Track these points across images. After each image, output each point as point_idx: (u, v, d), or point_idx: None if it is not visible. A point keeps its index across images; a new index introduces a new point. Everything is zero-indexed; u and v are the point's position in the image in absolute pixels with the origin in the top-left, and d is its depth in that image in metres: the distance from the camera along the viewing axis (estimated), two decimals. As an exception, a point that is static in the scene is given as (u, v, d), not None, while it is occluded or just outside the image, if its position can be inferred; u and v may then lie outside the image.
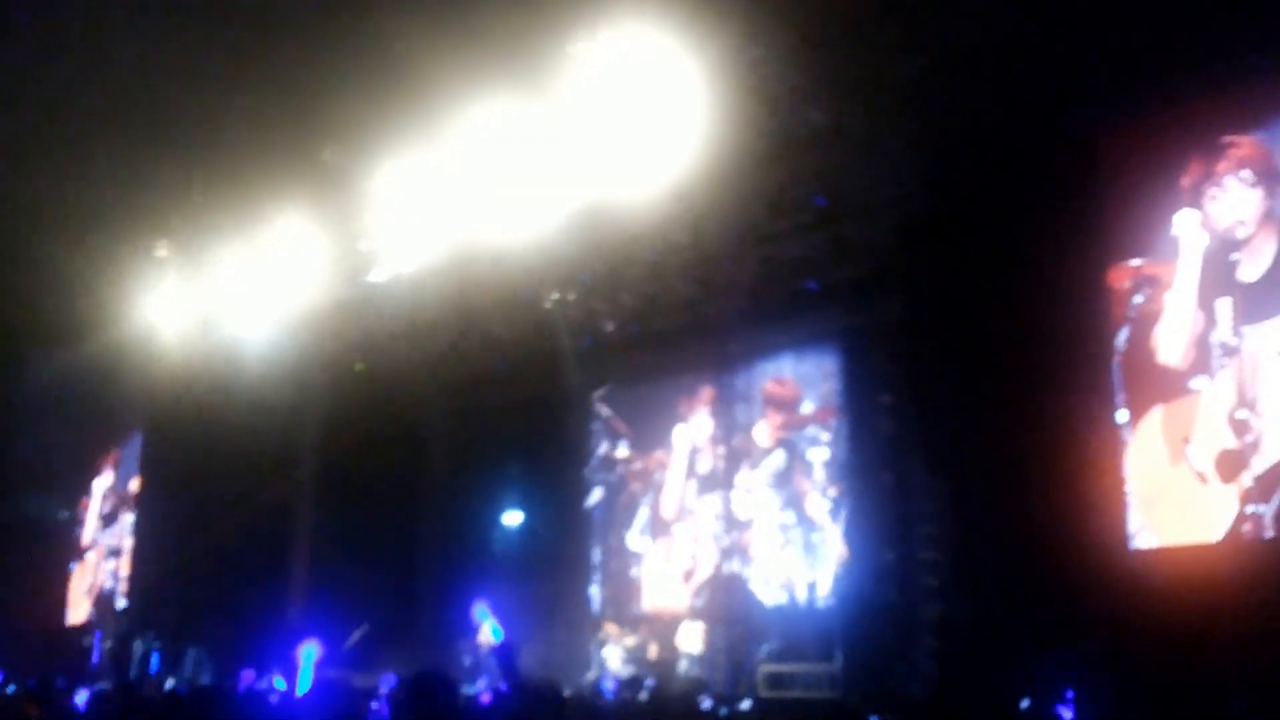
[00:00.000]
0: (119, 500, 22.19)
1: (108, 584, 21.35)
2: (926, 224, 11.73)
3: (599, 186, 12.55)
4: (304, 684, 15.10)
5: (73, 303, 19.50)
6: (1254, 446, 9.58)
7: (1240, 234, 9.91)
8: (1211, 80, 10.02)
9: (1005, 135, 10.97)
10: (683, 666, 14.13)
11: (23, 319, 20.07)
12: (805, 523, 14.44)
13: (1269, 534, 9.50)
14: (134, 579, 20.59)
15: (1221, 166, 10.10)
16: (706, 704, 10.21)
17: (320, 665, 13.27)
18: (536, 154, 12.94)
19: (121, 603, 20.58)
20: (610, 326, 15.48)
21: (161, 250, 18.55)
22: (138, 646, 18.61)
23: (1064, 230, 10.71)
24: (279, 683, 11.58)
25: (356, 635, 15.89)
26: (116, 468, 22.64)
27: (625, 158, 12.10)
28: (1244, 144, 10.04)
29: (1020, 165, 10.90)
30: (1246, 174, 9.96)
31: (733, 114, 11.44)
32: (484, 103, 13.18)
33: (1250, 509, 9.57)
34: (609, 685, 13.17)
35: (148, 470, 20.94)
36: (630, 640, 15.10)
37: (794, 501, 14.68)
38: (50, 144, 16.75)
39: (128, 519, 21.51)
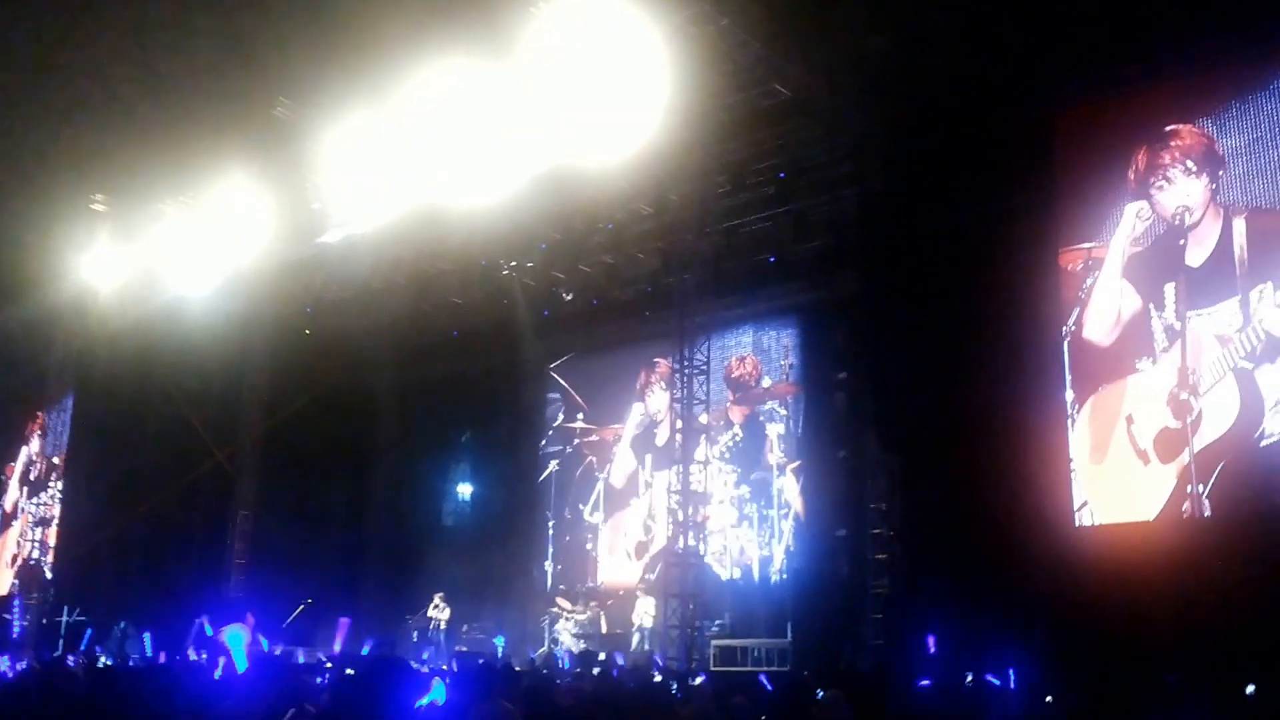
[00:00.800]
0: (47, 467, 22.23)
1: (34, 554, 21.44)
2: (885, 201, 12.42)
3: (560, 153, 12.87)
4: (240, 663, 15.53)
5: (2, 261, 19.57)
6: (1194, 427, 10.47)
7: (1186, 220, 10.79)
8: (1162, 67, 10.89)
9: (964, 115, 11.72)
10: (635, 641, 14.73)
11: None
12: (761, 498, 15.16)
13: (1206, 512, 10.36)
14: (62, 549, 20.60)
15: (1166, 156, 10.99)
16: (659, 678, 10.79)
17: (254, 643, 13.72)
18: (496, 117, 13.18)
19: (48, 574, 20.65)
20: (568, 296, 15.93)
21: (98, 205, 18.60)
22: (65, 619, 18.85)
23: (1019, 211, 11.54)
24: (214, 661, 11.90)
25: (298, 611, 16.31)
26: (45, 433, 22.67)
27: (587, 125, 12.38)
28: (1186, 133, 10.92)
29: (978, 146, 11.66)
30: (1191, 163, 10.84)
31: (697, 85, 11.89)
32: (442, 61, 13.43)
33: (1189, 488, 10.45)
34: (562, 659, 13.75)
35: (79, 435, 20.89)
36: (583, 615, 15.65)
37: (750, 477, 15.39)
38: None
39: (56, 486, 21.57)
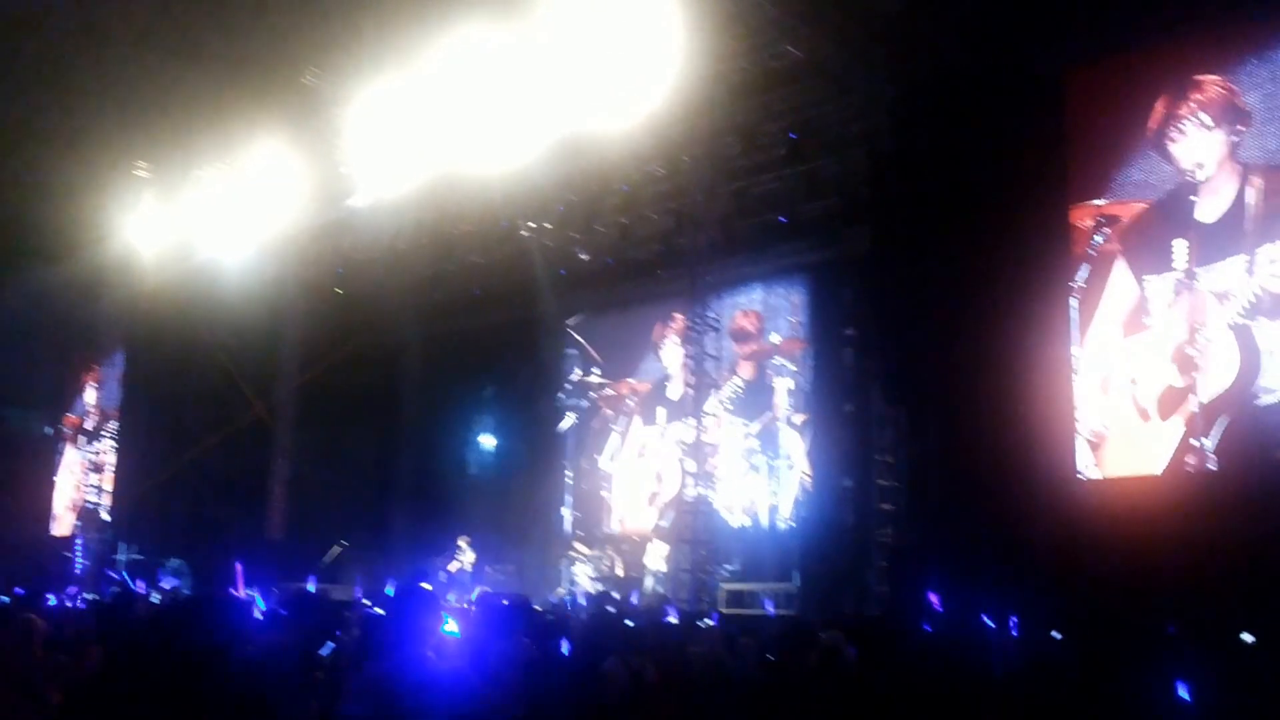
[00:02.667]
0: (102, 416, 22.24)
1: (91, 498, 21.45)
2: (895, 160, 11.80)
3: (576, 118, 12.47)
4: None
5: (53, 222, 19.34)
6: (1198, 383, 9.79)
7: (1200, 175, 9.99)
8: (1177, 20, 10.04)
9: (974, 73, 11.00)
10: (648, 584, 14.39)
11: (3, 237, 19.90)
12: (769, 449, 14.66)
13: (1210, 466, 9.74)
14: (116, 494, 20.69)
15: (1184, 109, 10.15)
16: (672, 618, 10.46)
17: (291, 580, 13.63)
18: (515, 83, 12.83)
19: (106, 516, 20.69)
20: (585, 256, 15.47)
21: (141, 171, 18.44)
22: (120, 558, 18.80)
23: (1029, 169, 10.82)
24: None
25: (334, 552, 16.12)
26: (100, 385, 22.64)
27: (602, 89, 12.02)
28: (1207, 85, 10.07)
29: (988, 103, 10.93)
30: (1207, 116, 10.01)
31: (709, 47, 11.39)
32: (463, 29, 13.06)
33: (1194, 442, 9.81)
34: (578, 600, 13.41)
35: (129, 388, 20.94)
36: (599, 559, 15.34)
37: (759, 429, 14.88)
38: (32, 65, 16.54)
39: (110, 435, 21.56)
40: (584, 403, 17.10)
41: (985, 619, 8.65)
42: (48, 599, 11.23)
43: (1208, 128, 10.01)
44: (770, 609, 11.49)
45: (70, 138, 17.82)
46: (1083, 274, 10.80)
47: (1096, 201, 10.72)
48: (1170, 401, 9.97)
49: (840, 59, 11.82)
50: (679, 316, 14.81)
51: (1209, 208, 9.96)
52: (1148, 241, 10.30)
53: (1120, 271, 10.53)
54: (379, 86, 14.44)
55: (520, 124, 12.98)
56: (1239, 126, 9.84)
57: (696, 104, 11.92)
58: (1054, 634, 8.80)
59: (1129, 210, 10.58)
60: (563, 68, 12.31)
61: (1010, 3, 10.53)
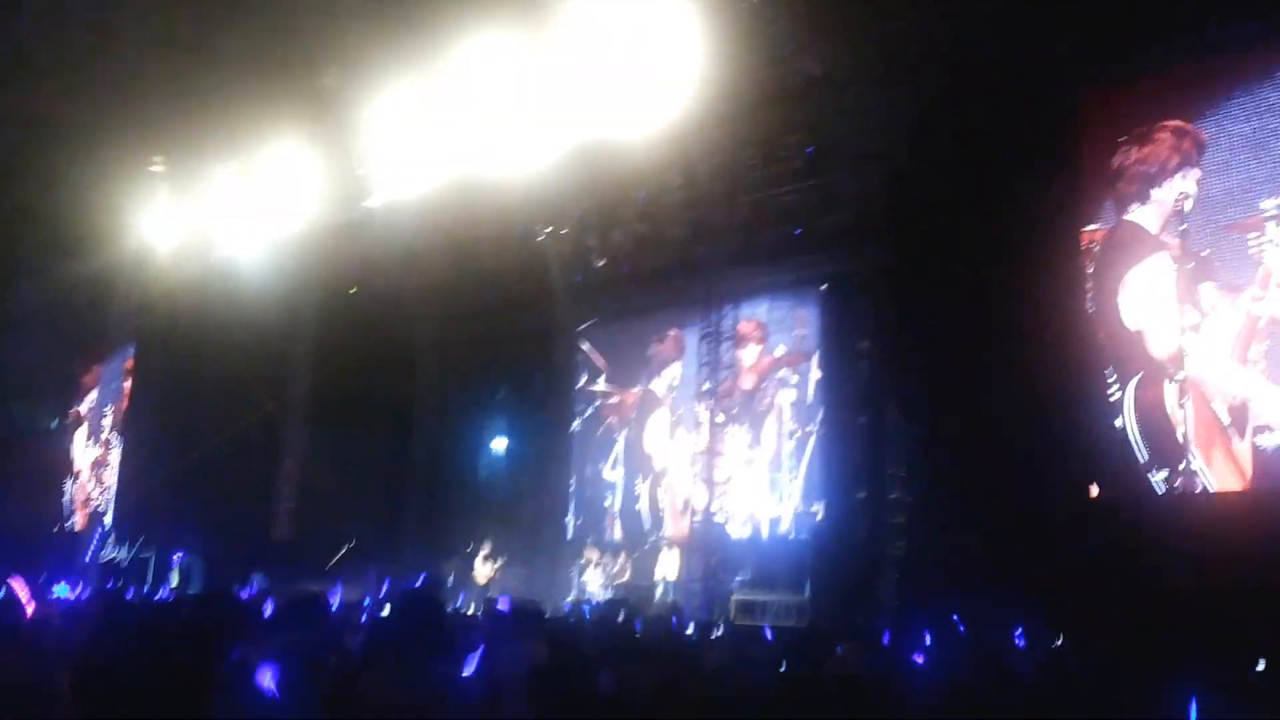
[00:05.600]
0: (112, 413, 22.35)
1: (97, 494, 21.59)
2: (912, 175, 11.95)
3: (595, 126, 12.65)
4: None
5: (69, 217, 19.44)
6: (1235, 405, 9.92)
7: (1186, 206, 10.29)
8: (1186, 48, 10.25)
9: (991, 91, 11.14)
10: (659, 593, 14.49)
11: (17, 233, 20.02)
12: (775, 461, 14.77)
13: (1199, 489, 9.89)
14: (121, 491, 20.75)
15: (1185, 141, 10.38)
16: (690, 630, 10.55)
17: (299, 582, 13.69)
18: (534, 89, 13.02)
19: (110, 514, 20.79)
20: (601, 263, 15.62)
21: (157, 167, 18.54)
22: (124, 554, 18.87)
23: (1045, 187, 10.96)
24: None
25: (342, 554, 16.22)
26: (108, 380, 22.75)
27: (622, 98, 12.22)
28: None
29: (1004, 121, 11.08)
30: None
31: (729, 60, 11.59)
32: (483, 33, 13.24)
33: (1191, 465, 9.95)
34: (589, 606, 13.53)
35: (138, 384, 20.99)
36: (610, 566, 15.41)
37: (765, 440, 15.00)
38: (47, 60, 16.65)
39: (116, 433, 21.68)
40: (588, 410, 17.19)
41: (1011, 633, 8.79)
42: (53, 592, 11.33)
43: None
44: (769, 635, 11.58)
45: (87, 134, 17.79)
46: (1093, 293, 10.96)
47: (1109, 223, 10.91)
48: (1188, 422, 10.11)
49: (858, 74, 11.98)
50: (691, 326, 14.94)
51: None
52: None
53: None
54: (398, 88, 14.59)
55: (539, 129, 13.17)
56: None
57: (715, 115, 12.12)
58: (1062, 643, 8.96)
59: (1142, 232, 10.74)
60: (583, 74, 12.52)
61: (1028, 21, 10.66)
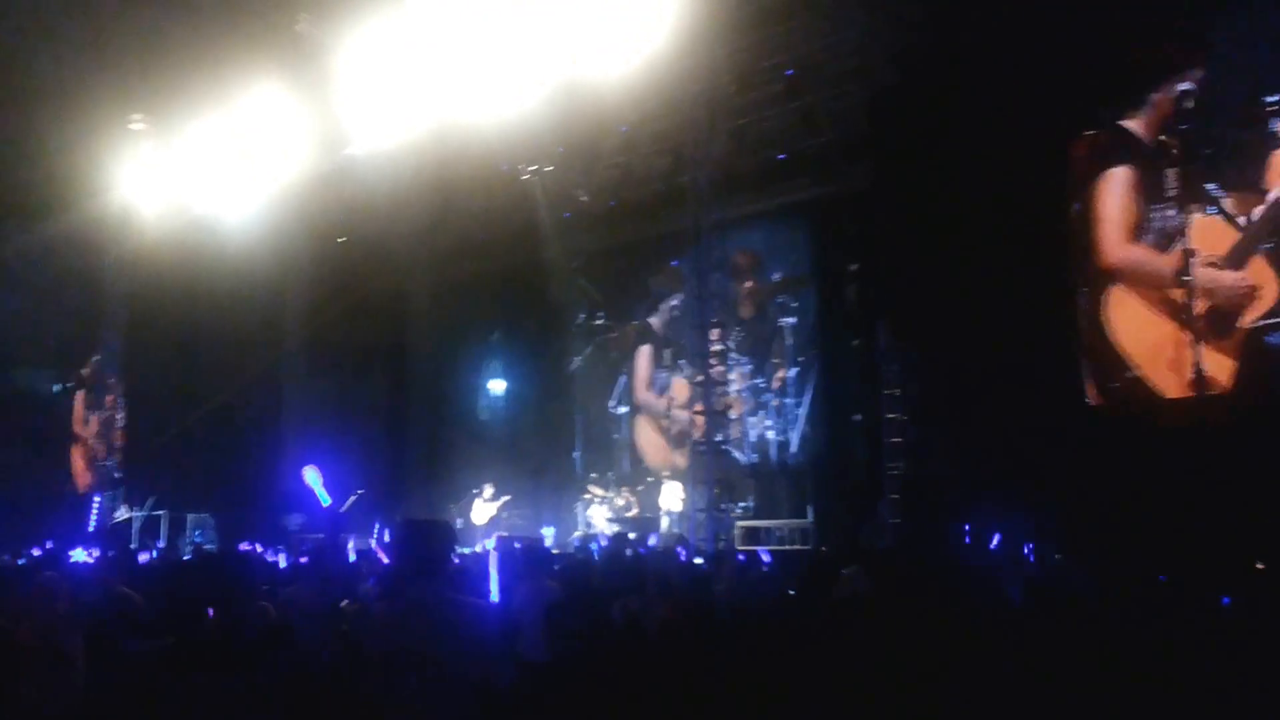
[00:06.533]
0: (110, 373, 22.32)
1: (103, 454, 21.64)
2: (893, 94, 11.80)
3: (573, 60, 12.44)
4: (325, 499, 15.90)
5: (49, 178, 19.25)
6: (1203, 309, 9.89)
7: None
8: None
9: (970, 4, 10.96)
10: (664, 524, 14.62)
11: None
12: (775, 387, 14.84)
13: (1216, 390, 9.87)
14: (128, 449, 20.85)
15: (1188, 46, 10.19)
16: (699, 560, 10.65)
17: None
18: (510, 27, 12.80)
19: (117, 473, 20.88)
20: (585, 198, 15.51)
21: (137, 124, 18.32)
22: (134, 514, 19.02)
23: (1028, 101, 10.79)
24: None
25: (351, 500, 16.34)
26: (105, 341, 22.67)
27: (598, 31, 12.01)
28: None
29: (984, 36, 10.89)
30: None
31: (703, -16, 11.38)
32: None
33: (1201, 367, 9.92)
34: (596, 541, 13.66)
35: (136, 343, 20.98)
36: (615, 500, 15.56)
37: (765, 367, 15.06)
38: (23, 15, 16.41)
39: (120, 391, 21.68)
40: (589, 346, 17.25)
41: (1021, 548, 8.86)
42: (69, 557, 11.43)
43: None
44: (763, 557, 11.68)
45: (63, 91, 17.60)
46: (1079, 204, 10.89)
47: (1093, 132, 10.78)
48: (1177, 323, 10.11)
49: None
50: (682, 257, 14.89)
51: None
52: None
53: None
54: (373, 32, 14.32)
55: (517, 67, 12.94)
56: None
57: (692, 42, 11.88)
58: (1059, 557, 9.04)
59: (1125, 140, 10.62)
60: (558, 8, 12.29)
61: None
